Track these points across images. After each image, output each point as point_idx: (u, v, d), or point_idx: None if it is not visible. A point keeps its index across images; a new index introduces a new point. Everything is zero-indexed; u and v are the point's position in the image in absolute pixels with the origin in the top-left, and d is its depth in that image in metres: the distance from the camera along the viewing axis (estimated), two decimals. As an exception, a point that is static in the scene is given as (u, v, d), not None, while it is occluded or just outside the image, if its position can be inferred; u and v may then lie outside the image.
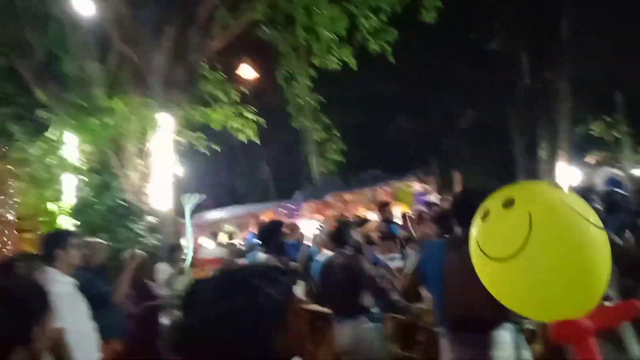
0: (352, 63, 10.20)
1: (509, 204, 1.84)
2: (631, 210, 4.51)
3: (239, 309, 1.07)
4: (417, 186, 16.76)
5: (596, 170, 12.07)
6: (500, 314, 2.65)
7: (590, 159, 15.65)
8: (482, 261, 1.90)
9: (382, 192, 16.83)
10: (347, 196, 16.44)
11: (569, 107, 15.14)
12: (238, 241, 11.68)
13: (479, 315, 2.62)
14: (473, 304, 2.64)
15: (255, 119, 9.68)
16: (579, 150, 15.95)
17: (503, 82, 16.66)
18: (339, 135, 17.18)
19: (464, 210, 2.87)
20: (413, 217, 8.94)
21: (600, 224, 1.80)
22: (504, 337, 2.64)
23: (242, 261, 6.68)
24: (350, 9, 9.18)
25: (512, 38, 16.29)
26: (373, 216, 13.98)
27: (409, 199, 16.47)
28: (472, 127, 17.63)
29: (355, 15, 9.25)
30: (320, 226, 10.61)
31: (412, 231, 7.23)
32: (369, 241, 6.04)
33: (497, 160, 17.94)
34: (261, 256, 4.44)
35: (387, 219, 7.41)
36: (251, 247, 7.51)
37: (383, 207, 7.79)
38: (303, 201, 16.25)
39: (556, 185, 1.97)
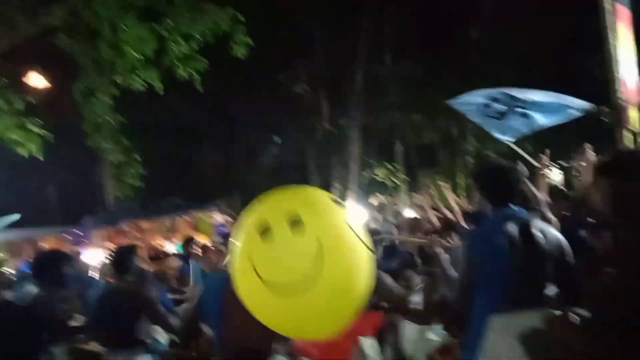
0: (158, 86, 9.92)
1: (296, 224, 1.69)
2: (404, 252, 5.24)
3: None
4: (218, 217, 16.69)
5: (379, 211, 13.54)
6: (268, 348, 2.77)
7: (374, 200, 17.54)
8: (263, 294, 1.72)
9: (182, 222, 16.37)
10: (145, 224, 15.58)
11: (359, 153, 16.86)
12: (8, 270, 10.24)
13: (256, 347, 2.70)
14: (251, 336, 2.70)
15: (41, 133, 8.69)
16: (365, 192, 17.80)
17: (305, 123, 17.86)
18: (139, 159, 16.29)
19: None
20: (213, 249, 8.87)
21: (369, 245, 1.88)
22: None
23: (8, 294, 5.81)
24: (160, 32, 8.97)
25: (314, 85, 17.67)
26: (171, 247, 13.53)
27: (210, 229, 16.32)
28: (274, 162, 18.39)
29: (165, 38, 9.07)
30: (110, 255, 9.84)
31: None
32: (165, 278, 5.81)
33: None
34: (31, 289, 3.91)
35: (189, 254, 7.14)
36: (22, 278, 6.58)
37: (188, 242, 7.53)
38: (93, 227, 14.90)
39: (336, 201, 1.92)
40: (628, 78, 5.81)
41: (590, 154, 3.86)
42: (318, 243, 1.66)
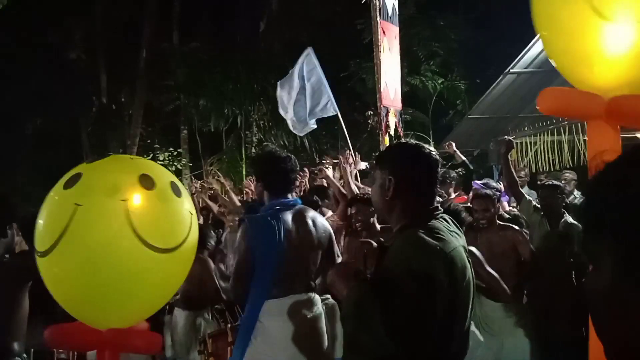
0: None
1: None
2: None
3: None
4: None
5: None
6: (10, 346, 2.45)
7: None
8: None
9: None
10: None
11: (140, 134, 15.95)
12: None
13: None
14: None
15: None
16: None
17: (79, 94, 16.14)
18: None
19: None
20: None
21: None
22: None
23: None
24: None
25: (93, 53, 16.10)
26: None
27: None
28: (39, 134, 16.25)
29: None
30: None
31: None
32: None
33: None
34: None
35: None
36: None
37: None
38: None
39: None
40: (391, 87, 6.65)
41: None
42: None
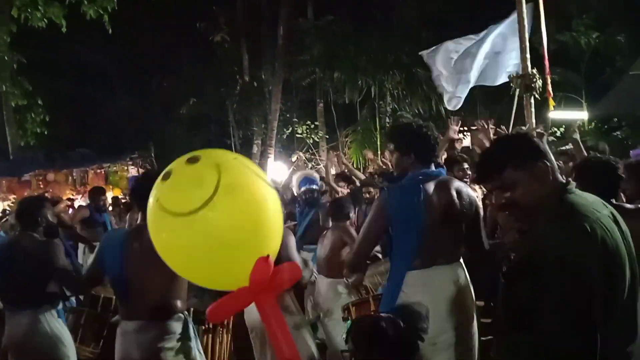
0: (62, 24, 9.19)
1: (193, 160, 1.81)
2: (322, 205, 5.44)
3: None
4: (133, 170, 16.13)
5: (299, 168, 13.56)
6: (172, 304, 2.72)
7: (294, 157, 17.55)
8: (161, 218, 1.81)
9: (93, 174, 15.66)
10: (50, 175, 14.68)
11: (280, 109, 16.66)
12: None
13: (155, 303, 2.67)
14: (152, 292, 2.66)
15: None
16: (286, 149, 17.74)
17: (225, 75, 17.31)
18: (42, 104, 15.04)
19: (144, 194, 2.61)
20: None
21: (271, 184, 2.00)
22: (174, 327, 2.71)
23: None
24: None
25: (235, 35, 17.07)
26: (81, 201, 12.85)
27: (123, 183, 15.76)
28: (193, 115, 17.81)
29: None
30: (10, 207, 9.19)
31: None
32: (62, 224, 5.51)
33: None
34: None
35: (96, 207, 6.89)
36: None
37: (96, 195, 7.12)
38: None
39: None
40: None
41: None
42: (215, 166, 1.76)
